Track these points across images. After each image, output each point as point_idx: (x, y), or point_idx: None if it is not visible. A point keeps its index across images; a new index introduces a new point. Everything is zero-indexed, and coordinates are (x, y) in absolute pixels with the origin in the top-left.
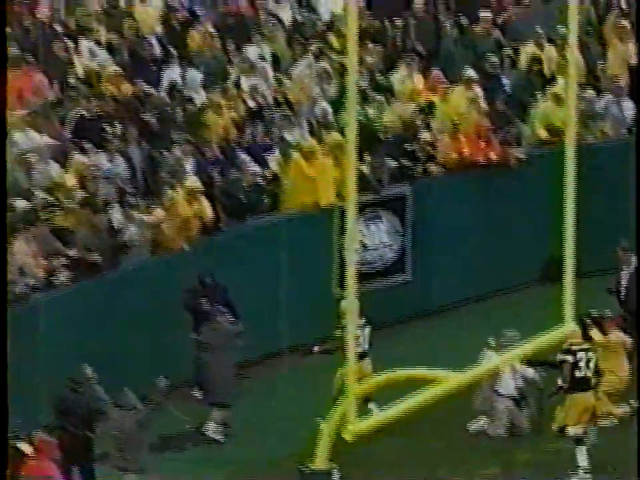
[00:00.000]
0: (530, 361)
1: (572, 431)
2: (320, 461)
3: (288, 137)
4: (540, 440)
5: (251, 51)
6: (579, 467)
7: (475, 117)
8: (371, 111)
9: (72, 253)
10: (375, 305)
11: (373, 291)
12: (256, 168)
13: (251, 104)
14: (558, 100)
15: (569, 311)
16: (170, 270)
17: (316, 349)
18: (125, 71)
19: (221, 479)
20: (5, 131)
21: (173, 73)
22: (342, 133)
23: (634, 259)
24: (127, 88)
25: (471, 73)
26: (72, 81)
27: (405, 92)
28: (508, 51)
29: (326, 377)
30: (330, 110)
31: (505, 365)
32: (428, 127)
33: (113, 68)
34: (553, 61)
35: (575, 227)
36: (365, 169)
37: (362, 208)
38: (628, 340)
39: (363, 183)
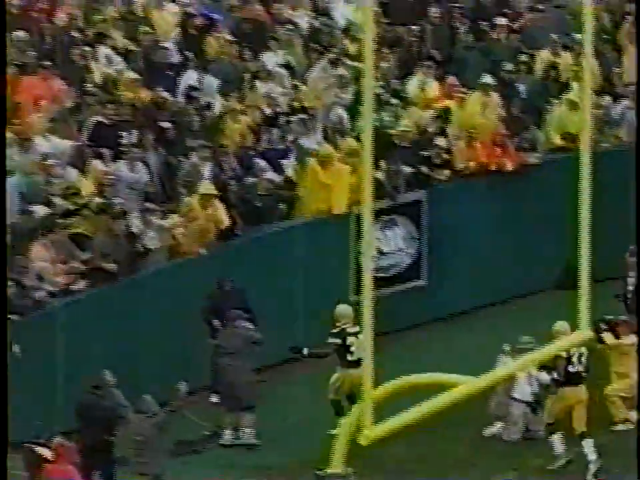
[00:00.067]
0: (545, 367)
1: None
2: (336, 465)
3: (304, 143)
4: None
5: (268, 58)
6: (590, 461)
7: (491, 124)
8: (386, 117)
9: (89, 259)
10: (391, 310)
11: (389, 297)
12: (272, 174)
13: (267, 110)
14: (573, 106)
15: (584, 316)
16: (187, 275)
17: (305, 351)
18: (141, 77)
19: None
20: (4, 131)
21: (189, 79)
22: (358, 139)
23: None
24: (143, 94)
25: (488, 79)
26: (89, 87)
27: (421, 98)
28: (523, 58)
29: None
30: (346, 116)
31: (521, 370)
32: (444, 133)
33: (129, 74)
34: (568, 67)
35: (590, 233)
36: (381, 175)
37: (378, 214)
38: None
39: (379, 190)
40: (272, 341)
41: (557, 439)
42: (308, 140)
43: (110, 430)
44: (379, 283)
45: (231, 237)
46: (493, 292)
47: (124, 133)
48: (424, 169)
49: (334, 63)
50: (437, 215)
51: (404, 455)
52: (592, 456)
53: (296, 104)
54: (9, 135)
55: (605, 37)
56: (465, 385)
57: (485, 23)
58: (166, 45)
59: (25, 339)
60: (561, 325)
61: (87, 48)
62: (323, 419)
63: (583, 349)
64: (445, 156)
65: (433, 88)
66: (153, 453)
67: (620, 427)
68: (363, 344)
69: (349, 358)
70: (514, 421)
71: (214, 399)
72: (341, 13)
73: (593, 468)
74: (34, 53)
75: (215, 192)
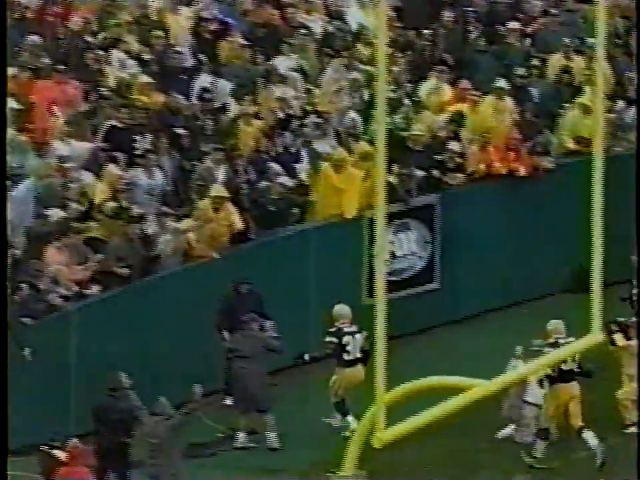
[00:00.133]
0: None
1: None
2: (348, 468)
3: (317, 147)
4: (567, 447)
5: (281, 62)
6: (596, 450)
7: (504, 128)
8: (399, 121)
9: (104, 262)
10: (404, 314)
11: (402, 300)
12: (285, 178)
13: (281, 114)
14: (586, 110)
15: (596, 320)
16: (201, 278)
17: (306, 357)
18: (155, 81)
19: None
20: (4, 131)
21: (203, 83)
22: (371, 142)
23: None
24: (157, 98)
25: (502, 83)
26: (103, 91)
27: (434, 102)
28: (535, 62)
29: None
30: (359, 120)
31: (533, 373)
32: (457, 137)
33: (143, 78)
34: (581, 71)
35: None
36: (393, 179)
37: (391, 217)
38: None
39: (392, 193)
40: (284, 344)
41: (541, 445)
42: (321, 144)
43: (126, 432)
44: (391, 286)
45: (245, 240)
46: (505, 295)
47: (138, 137)
48: (437, 172)
49: (347, 67)
50: (450, 218)
51: (417, 457)
52: (595, 444)
53: (309, 108)
54: (23, 138)
55: (617, 41)
56: (477, 388)
57: (497, 27)
58: (180, 49)
59: (39, 341)
60: (555, 323)
61: (100, 52)
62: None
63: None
64: (458, 160)
65: (446, 92)
66: (168, 455)
67: (632, 430)
68: (360, 343)
69: (345, 357)
70: (526, 423)
71: (228, 401)
72: (354, 17)
73: (600, 454)
74: (47, 60)
75: (227, 194)
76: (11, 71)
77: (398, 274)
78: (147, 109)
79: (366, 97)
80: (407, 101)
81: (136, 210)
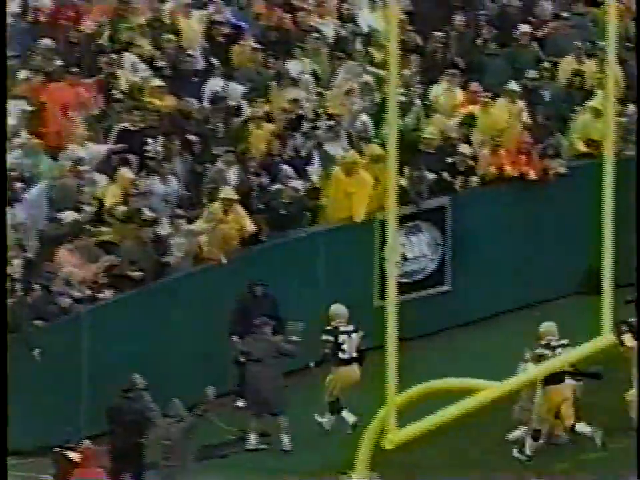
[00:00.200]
0: (569, 372)
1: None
2: (360, 470)
3: (329, 149)
4: (578, 450)
5: (293, 65)
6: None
7: (516, 131)
8: (411, 124)
9: (116, 265)
10: (415, 316)
11: (413, 302)
12: (297, 182)
13: (293, 117)
14: (597, 113)
15: (607, 321)
16: (213, 280)
17: (311, 364)
18: (167, 84)
19: None
20: (4, 131)
21: (215, 86)
22: (382, 145)
23: None
24: (169, 101)
25: (513, 86)
26: (116, 94)
27: (446, 105)
28: (546, 65)
29: (367, 385)
30: (370, 123)
31: (544, 375)
32: (468, 140)
33: (155, 81)
34: (593, 75)
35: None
36: (404, 182)
37: (402, 220)
38: None
39: (403, 196)
40: (297, 348)
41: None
42: (333, 146)
43: (140, 433)
44: (403, 288)
45: (256, 243)
46: (516, 297)
47: (149, 140)
48: (448, 175)
49: (359, 70)
50: (461, 221)
51: (427, 459)
52: (589, 430)
53: (321, 110)
54: (35, 141)
55: (628, 44)
56: (488, 390)
57: (509, 31)
58: (192, 52)
59: (51, 343)
60: (547, 325)
61: (113, 55)
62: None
63: (569, 349)
64: (470, 162)
65: (458, 95)
66: (181, 457)
67: None
68: (356, 342)
69: (341, 356)
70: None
71: (240, 403)
72: (366, 21)
73: (598, 438)
74: (60, 62)
75: (236, 197)
76: (23, 74)
77: (409, 276)
78: (159, 111)
79: (377, 100)
80: (418, 103)
81: (148, 213)
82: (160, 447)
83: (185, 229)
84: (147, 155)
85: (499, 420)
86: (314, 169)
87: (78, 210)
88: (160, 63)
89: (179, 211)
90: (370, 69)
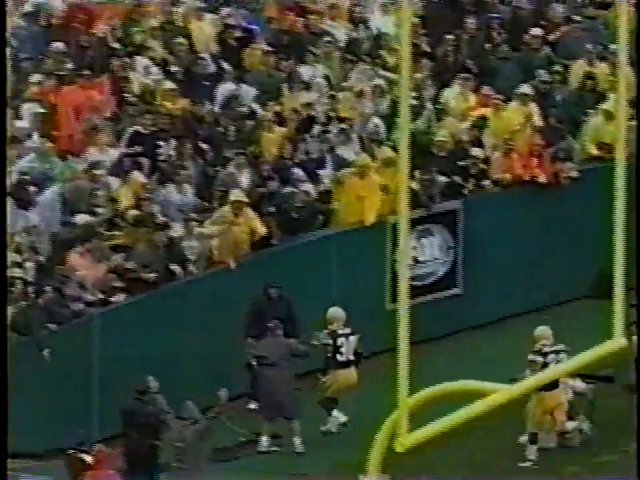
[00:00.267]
0: (580, 375)
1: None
2: (372, 472)
3: (341, 152)
4: (590, 452)
5: (305, 69)
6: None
7: (527, 134)
8: (422, 127)
9: (129, 268)
10: (427, 319)
11: (425, 305)
12: (308, 185)
13: (305, 120)
14: (609, 116)
15: (619, 325)
16: (224, 284)
17: (320, 376)
18: (179, 88)
19: None
20: (5, 131)
21: (227, 90)
22: (394, 148)
23: None
24: (181, 104)
25: (526, 89)
26: (128, 97)
27: (458, 109)
28: (557, 68)
29: (379, 387)
30: (382, 126)
31: (555, 378)
32: (480, 143)
33: (167, 84)
34: (604, 77)
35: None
36: (415, 185)
37: (414, 223)
38: None
39: (414, 199)
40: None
41: (534, 448)
42: (345, 150)
43: (154, 435)
44: (414, 291)
45: (268, 246)
46: (527, 300)
47: (161, 143)
48: (460, 178)
49: (371, 73)
50: (473, 224)
51: (438, 462)
52: (576, 424)
53: (333, 114)
54: (48, 144)
55: None
56: (500, 393)
57: (521, 34)
58: (203, 55)
59: (63, 346)
60: (542, 329)
61: (125, 58)
62: (362, 426)
63: (562, 355)
64: (482, 166)
65: (470, 98)
66: (194, 459)
67: None
68: (353, 345)
69: (339, 359)
70: (568, 430)
71: (252, 405)
72: (378, 24)
73: (586, 427)
74: (70, 65)
75: (245, 199)
76: (36, 77)
77: (421, 279)
78: (171, 115)
79: (389, 103)
80: (429, 107)
81: (160, 217)
82: (173, 449)
83: (197, 232)
84: (159, 158)
85: (511, 423)
86: (326, 173)
87: (91, 213)
88: (172, 67)
89: (192, 214)
90: (382, 72)
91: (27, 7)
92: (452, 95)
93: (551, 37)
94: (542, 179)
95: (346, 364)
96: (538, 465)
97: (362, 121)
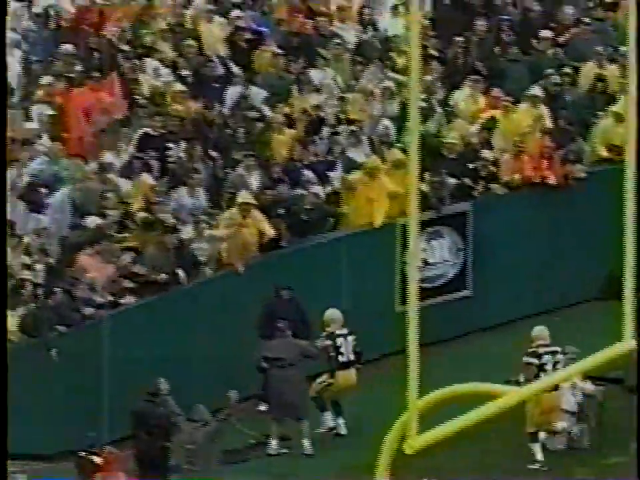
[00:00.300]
0: (590, 377)
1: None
2: (381, 474)
3: (351, 155)
4: (599, 455)
5: (315, 74)
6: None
7: (537, 136)
8: (432, 130)
9: (139, 270)
10: (436, 321)
11: (435, 307)
12: (318, 187)
13: (315, 122)
14: (619, 118)
15: (628, 326)
16: (234, 286)
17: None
18: (189, 90)
19: None
20: (4, 131)
21: (237, 92)
22: (404, 150)
23: None
24: (191, 106)
25: (536, 91)
26: (138, 99)
27: (468, 111)
28: (567, 70)
29: (390, 389)
30: (392, 127)
31: (565, 380)
32: (490, 145)
33: (177, 86)
34: (615, 79)
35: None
36: (425, 187)
37: (424, 225)
38: None
39: (424, 201)
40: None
41: (537, 447)
42: (355, 152)
43: (164, 437)
44: (424, 293)
45: (277, 248)
46: (537, 302)
47: (171, 145)
48: (470, 180)
49: (381, 75)
50: (483, 226)
51: (447, 465)
52: (564, 426)
53: (343, 115)
54: (58, 146)
55: None
56: (510, 395)
57: (530, 36)
58: (213, 57)
59: (72, 348)
60: (539, 330)
61: (135, 60)
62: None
63: (560, 356)
64: (492, 168)
65: (479, 101)
66: (205, 461)
67: None
68: (351, 345)
69: (340, 359)
70: (559, 431)
71: (262, 407)
72: (387, 26)
73: (576, 430)
74: (79, 68)
75: (253, 201)
76: (45, 79)
77: (431, 281)
78: (181, 117)
79: (399, 105)
80: (439, 109)
81: (171, 220)
82: (184, 451)
83: (208, 235)
84: (169, 160)
85: (521, 424)
86: (336, 175)
87: (101, 215)
88: (182, 69)
89: (202, 217)
90: (391, 74)
91: (37, 9)
92: (462, 97)
93: (561, 39)
94: (552, 180)
95: (347, 365)
96: (547, 466)
97: (372, 123)
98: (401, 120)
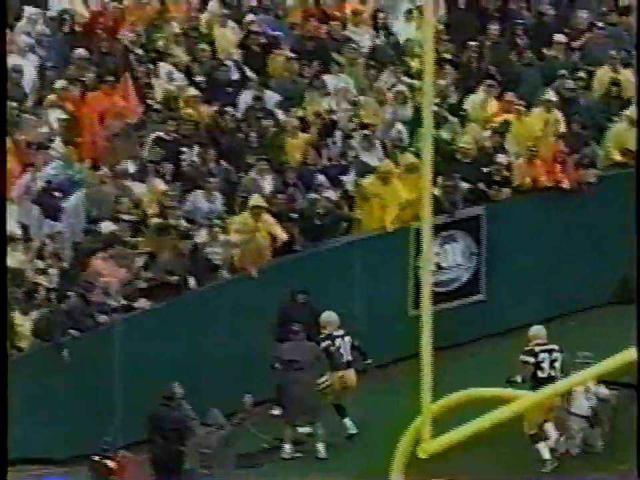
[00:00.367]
0: (604, 381)
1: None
2: (395, 477)
3: (365, 159)
4: (613, 459)
5: (330, 80)
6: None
7: (551, 140)
8: (445, 134)
9: (152, 274)
10: (450, 325)
11: (448, 311)
12: (331, 192)
13: (328, 126)
14: (633, 122)
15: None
16: (247, 290)
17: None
18: (202, 94)
19: None
20: (4, 132)
21: (250, 96)
22: (417, 154)
23: None
24: (204, 111)
25: (550, 95)
26: (151, 103)
27: (481, 115)
28: (582, 74)
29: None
30: (405, 132)
31: (579, 384)
32: (503, 149)
33: (190, 91)
34: (629, 84)
35: None
36: (438, 191)
37: (437, 229)
38: None
39: (437, 206)
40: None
41: (542, 447)
42: (369, 156)
43: (179, 441)
44: (438, 297)
45: (291, 252)
46: (551, 306)
47: (184, 149)
48: (483, 185)
49: (394, 79)
50: (496, 230)
51: (460, 468)
52: (554, 436)
53: (356, 120)
54: (72, 150)
55: None
56: (524, 399)
57: (544, 40)
58: (227, 61)
59: (85, 352)
60: (536, 329)
61: (149, 64)
62: (383, 430)
63: (557, 355)
64: (505, 173)
65: (493, 105)
66: (219, 465)
67: None
68: (348, 346)
69: (342, 360)
70: (572, 435)
71: (275, 411)
72: (401, 30)
73: (562, 440)
74: (93, 72)
75: (265, 204)
76: (59, 83)
77: (444, 285)
78: (194, 121)
79: (412, 110)
80: (452, 115)
81: (185, 224)
82: (199, 455)
83: (222, 239)
84: (182, 164)
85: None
86: (349, 179)
87: (115, 220)
88: (196, 73)
89: (216, 221)
90: (405, 78)
91: (52, 14)
92: (475, 102)
93: (575, 44)
94: (565, 185)
95: (346, 365)
96: (559, 469)
97: (385, 127)
98: (414, 124)
